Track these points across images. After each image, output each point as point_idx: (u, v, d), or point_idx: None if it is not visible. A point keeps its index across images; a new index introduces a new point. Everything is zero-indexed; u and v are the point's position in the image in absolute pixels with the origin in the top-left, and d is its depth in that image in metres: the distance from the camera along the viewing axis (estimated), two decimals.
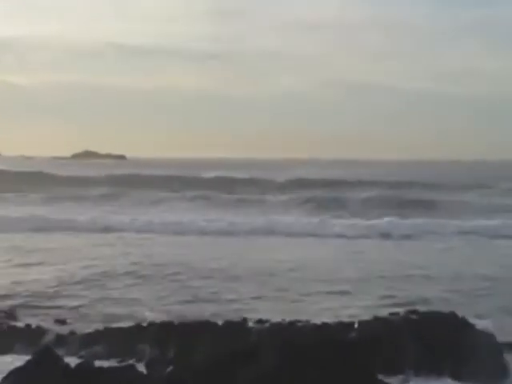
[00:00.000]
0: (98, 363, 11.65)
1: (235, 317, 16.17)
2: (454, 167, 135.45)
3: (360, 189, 58.28)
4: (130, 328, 15.18)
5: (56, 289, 21.13)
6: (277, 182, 67.56)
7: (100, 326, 15.79)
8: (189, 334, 14.25)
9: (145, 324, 15.46)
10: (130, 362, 13.07)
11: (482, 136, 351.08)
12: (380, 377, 11.04)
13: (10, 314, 17.66)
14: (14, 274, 23.37)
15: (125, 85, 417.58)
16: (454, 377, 12.89)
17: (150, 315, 17.30)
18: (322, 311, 18.21)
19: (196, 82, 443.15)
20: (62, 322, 16.99)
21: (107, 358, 13.82)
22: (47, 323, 16.73)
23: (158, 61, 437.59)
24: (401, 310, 15.19)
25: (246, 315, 16.42)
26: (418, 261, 27.59)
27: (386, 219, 39.08)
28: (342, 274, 24.12)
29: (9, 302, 19.14)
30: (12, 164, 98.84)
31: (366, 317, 14.83)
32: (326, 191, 57.05)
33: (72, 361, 11.79)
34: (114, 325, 15.96)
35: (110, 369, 11.27)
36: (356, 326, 14.14)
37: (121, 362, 13.42)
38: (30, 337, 15.23)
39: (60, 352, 12.68)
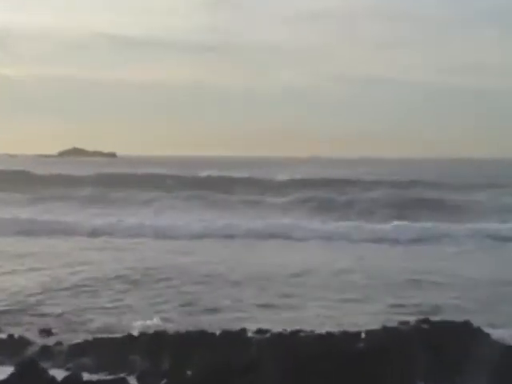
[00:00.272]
0: (86, 376, 11.62)
1: (233, 326, 16.07)
2: (462, 165, 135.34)
3: (364, 188, 58.28)
4: (120, 338, 15.06)
5: (41, 296, 20.96)
6: (276, 182, 67.55)
7: (88, 337, 15.65)
8: (184, 344, 14.16)
9: (136, 334, 15.38)
10: (121, 374, 12.98)
11: (493, 133, 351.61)
12: None
13: None
14: None
15: (117, 78, 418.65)
16: None
17: (143, 324, 17.18)
18: (326, 320, 18.11)
19: (192, 75, 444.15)
20: (47, 331, 16.85)
21: (96, 370, 13.67)
22: (31, 333, 16.59)
23: (153, 53, 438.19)
24: (411, 319, 15.13)
25: (245, 324, 16.31)
26: (429, 266, 27.49)
27: (395, 222, 39.03)
28: (348, 279, 24.06)
29: None
30: None
31: (374, 326, 14.74)
32: (328, 191, 56.95)
33: (59, 373, 11.73)
34: (104, 335, 15.84)
35: (99, 382, 11.25)
36: (363, 335, 14.05)
37: (111, 374, 13.31)
38: (13, 348, 15.06)
39: (45, 364, 12.61)
